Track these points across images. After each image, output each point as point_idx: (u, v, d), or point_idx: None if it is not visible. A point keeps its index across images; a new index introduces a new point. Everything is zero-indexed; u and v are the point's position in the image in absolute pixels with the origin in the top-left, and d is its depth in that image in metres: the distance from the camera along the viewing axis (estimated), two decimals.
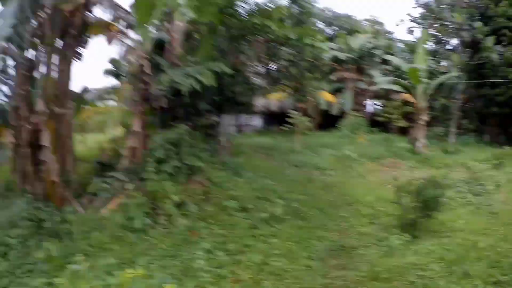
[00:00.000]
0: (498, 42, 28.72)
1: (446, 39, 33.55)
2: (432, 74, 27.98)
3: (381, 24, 43.33)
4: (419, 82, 25.80)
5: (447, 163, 21.46)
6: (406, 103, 30.96)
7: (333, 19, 43.42)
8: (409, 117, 32.52)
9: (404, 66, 28.35)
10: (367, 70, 37.17)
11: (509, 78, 27.64)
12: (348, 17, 43.96)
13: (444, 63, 33.57)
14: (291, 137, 26.48)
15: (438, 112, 31.32)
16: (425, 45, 28.07)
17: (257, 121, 36.72)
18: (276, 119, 33.66)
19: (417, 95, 26.43)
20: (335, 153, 24.03)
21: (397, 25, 42.89)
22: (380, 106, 36.93)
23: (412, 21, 34.65)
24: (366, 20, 44.46)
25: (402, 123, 32.69)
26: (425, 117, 26.09)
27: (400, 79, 28.46)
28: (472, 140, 29.13)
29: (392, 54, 35.21)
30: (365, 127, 32.25)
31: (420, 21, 34.06)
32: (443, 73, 29.45)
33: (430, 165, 21.43)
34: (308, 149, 24.71)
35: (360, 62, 37.36)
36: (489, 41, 28.41)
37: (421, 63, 26.30)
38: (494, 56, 28.34)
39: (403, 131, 32.22)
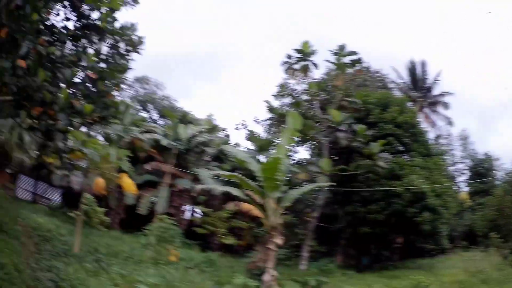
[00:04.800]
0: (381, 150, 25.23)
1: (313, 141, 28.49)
2: (289, 182, 20.80)
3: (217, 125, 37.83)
4: (276, 188, 17.71)
5: None
6: (244, 215, 26.43)
7: (169, 108, 40.60)
8: (238, 233, 27.46)
9: (254, 164, 19.74)
10: (192, 167, 29.65)
11: (391, 192, 23.90)
12: (185, 111, 38.94)
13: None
14: (84, 229, 19.01)
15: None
16: (288, 141, 19.95)
17: (55, 196, 29.21)
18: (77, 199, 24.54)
19: (268, 207, 18.23)
20: (128, 274, 15.34)
21: (236, 129, 37.02)
22: (202, 214, 29.13)
23: (270, 110, 30.05)
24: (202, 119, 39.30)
25: (230, 241, 26.00)
26: (278, 240, 18.08)
27: (246, 180, 19.17)
28: (332, 266, 23.68)
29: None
30: (180, 239, 23.80)
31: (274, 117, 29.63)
32: (305, 182, 23.14)
33: None
34: (91, 255, 16.38)
35: (186, 156, 29.86)
36: (375, 146, 23.95)
37: (284, 161, 18.47)
38: (382, 165, 24.01)
39: (229, 250, 26.66)
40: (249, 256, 23.61)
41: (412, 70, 45.46)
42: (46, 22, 8.74)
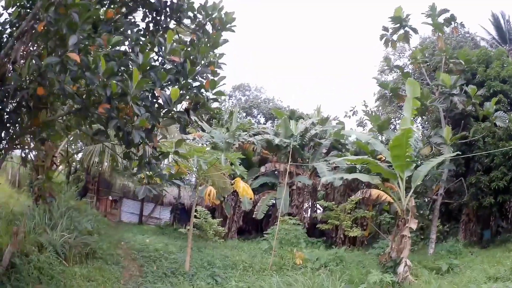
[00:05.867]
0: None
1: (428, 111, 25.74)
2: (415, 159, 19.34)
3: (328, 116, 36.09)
4: (406, 166, 16.34)
5: None
6: (366, 204, 24.98)
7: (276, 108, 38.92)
8: (361, 223, 25.53)
9: (379, 145, 19.08)
10: (309, 162, 28.34)
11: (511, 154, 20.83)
12: (292, 109, 37.23)
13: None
14: (197, 244, 19.42)
15: None
16: (411, 111, 18.35)
17: (164, 214, 30.77)
18: (188, 215, 24.94)
19: (400, 189, 16.91)
20: (250, 285, 14.76)
21: (347, 116, 35.15)
22: (324, 209, 27.49)
23: (381, 86, 28.07)
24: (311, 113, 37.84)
25: (356, 233, 23.86)
26: (412, 224, 16.39)
27: (375, 162, 18.56)
28: (459, 246, 21.25)
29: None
30: (304, 240, 22.68)
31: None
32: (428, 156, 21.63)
33: None
34: (205, 271, 15.52)
35: (301, 152, 28.69)
36: (490, 106, 21.19)
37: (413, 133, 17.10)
38: (500, 124, 21.29)
39: (353, 243, 24.87)
40: (376, 247, 21.80)
41: (496, 23, 40.46)
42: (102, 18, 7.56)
